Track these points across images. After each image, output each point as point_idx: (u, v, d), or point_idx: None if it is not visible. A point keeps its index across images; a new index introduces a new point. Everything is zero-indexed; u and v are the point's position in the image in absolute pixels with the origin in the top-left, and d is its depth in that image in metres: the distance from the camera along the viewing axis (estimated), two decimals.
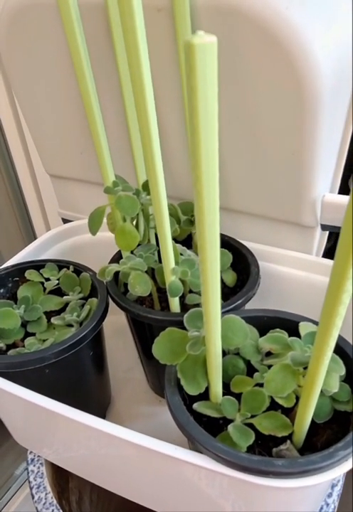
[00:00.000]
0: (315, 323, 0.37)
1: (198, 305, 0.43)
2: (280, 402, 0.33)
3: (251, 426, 0.33)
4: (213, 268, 0.27)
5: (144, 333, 0.47)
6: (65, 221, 0.67)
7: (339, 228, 0.49)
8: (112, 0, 0.39)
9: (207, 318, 0.30)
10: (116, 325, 0.56)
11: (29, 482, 0.47)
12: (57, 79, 0.50)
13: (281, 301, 0.52)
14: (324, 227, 0.49)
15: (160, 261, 0.46)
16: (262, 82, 0.38)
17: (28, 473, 0.48)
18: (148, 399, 0.55)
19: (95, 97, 0.40)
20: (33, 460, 0.49)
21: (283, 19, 0.34)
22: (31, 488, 0.46)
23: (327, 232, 0.52)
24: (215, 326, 0.30)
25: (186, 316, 0.36)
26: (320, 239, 0.51)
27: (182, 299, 0.44)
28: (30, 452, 0.51)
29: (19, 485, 1.05)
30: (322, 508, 0.44)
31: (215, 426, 0.35)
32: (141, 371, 0.57)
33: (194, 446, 0.32)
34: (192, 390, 0.34)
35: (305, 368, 0.31)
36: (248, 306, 0.45)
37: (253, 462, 0.28)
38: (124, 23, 0.28)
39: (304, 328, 0.34)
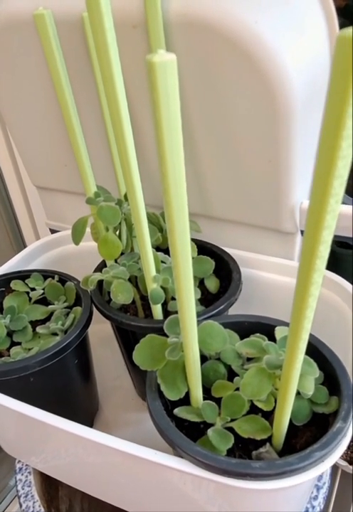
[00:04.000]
0: None
1: None
2: (260, 405, 0.34)
3: (231, 430, 0.33)
4: (186, 274, 0.28)
5: (128, 341, 0.48)
6: (53, 231, 0.68)
7: None
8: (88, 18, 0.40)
9: (183, 324, 0.30)
10: (103, 333, 0.57)
11: (17, 491, 0.47)
12: (40, 94, 0.51)
13: (264, 306, 0.52)
14: (304, 233, 0.50)
15: None
16: (236, 95, 0.39)
17: (16, 482, 0.48)
18: (136, 406, 0.55)
19: (74, 111, 0.41)
20: (21, 469, 0.50)
21: (253, 34, 0.35)
22: (19, 497, 0.46)
23: None
24: (191, 331, 0.31)
25: (165, 322, 0.36)
26: (301, 244, 0.52)
27: (165, 305, 0.45)
28: (18, 461, 0.51)
29: (14, 495, 1.05)
30: (307, 510, 0.45)
31: (197, 430, 0.36)
32: (128, 379, 0.57)
33: (176, 451, 0.32)
34: (172, 395, 0.34)
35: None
36: (231, 311, 0.45)
37: (231, 465, 0.29)
38: (96, 41, 0.29)
39: (280, 332, 0.35)
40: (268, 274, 0.52)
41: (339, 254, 0.84)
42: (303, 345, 0.27)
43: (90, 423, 0.52)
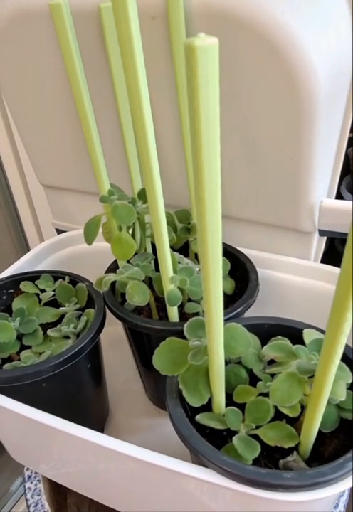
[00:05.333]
0: (318, 329, 0.36)
1: (197, 314, 0.43)
2: (285, 411, 0.32)
3: (256, 437, 0.32)
4: (215, 275, 0.26)
5: (142, 344, 0.46)
6: (59, 232, 0.66)
7: (336, 233, 0.49)
8: (106, 9, 0.38)
9: (209, 327, 0.29)
10: (112, 336, 0.55)
11: (26, 500, 0.46)
12: (50, 89, 0.49)
13: (279, 307, 0.51)
14: (321, 233, 0.49)
15: (157, 270, 0.46)
16: (259, 89, 0.37)
17: (25, 490, 0.47)
18: (147, 411, 0.54)
19: (90, 105, 0.40)
20: (29, 477, 0.48)
21: (279, 25, 0.34)
22: (29, 506, 0.45)
23: (325, 238, 0.51)
24: (218, 335, 0.29)
25: (186, 325, 0.35)
26: (318, 244, 0.51)
27: (180, 308, 0.43)
28: (27, 469, 0.49)
29: (15, 501, 1.03)
30: None
31: (219, 438, 0.34)
32: (139, 383, 0.56)
33: (198, 459, 0.31)
34: (195, 402, 0.33)
35: (310, 377, 0.31)
36: (246, 313, 0.44)
37: (260, 475, 0.27)
38: (119, 32, 0.28)
39: (308, 335, 0.33)
40: (283, 275, 0.51)
41: (342, 254, 0.83)
42: (341, 350, 0.25)
43: (100, 429, 0.51)
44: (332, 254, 0.55)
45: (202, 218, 0.24)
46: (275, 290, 0.51)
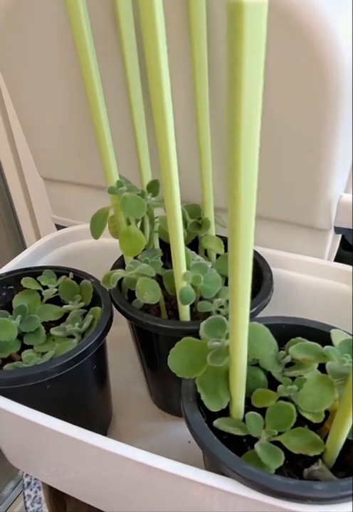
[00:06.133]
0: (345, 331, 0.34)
1: (209, 313, 0.40)
2: (309, 417, 0.30)
3: (278, 444, 0.30)
4: (245, 270, 0.24)
5: (149, 344, 0.44)
6: (59, 227, 0.64)
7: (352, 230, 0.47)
8: None
9: (234, 326, 0.27)
10: (114, 337, 0.53)
11: (26, 508, 0.43)
12: (54, 77, 0.47)
13: (291, 306, 0.49)
14: (337, 230, 0.47)
15: (164, 267, 0.43)
16: (282, 71, 0.35)
17: (24, 497, 0.44)
18: (151, 414, 0.52)
19: (100, 91, 0.37)
20: (29, 484, 0.46)
21: (308, 5, 0.32)
22: None
23: (340, 236, 0.49)
24: (242, 335, 0.27)
25: (204, 324, 0.33)
26: (332, 242, 0.49)
27: (191, 307, 0.41)
28: (26, 475, 0.47)
29: (7, 506, 1.00)
30: None
31: (236, 444, 0.32)
32: (142, 385, 0.53)
33: (216, 467, 0.29)
34: (214, 406, 0.30)
35: (339, 381, 0.29)
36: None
37: (290, 487, 0.25)
38: (144, 18, 0.26)
39: (337, 336, 0.31)
40: (296, 274, 0.49)
41: (344, 256, 0.81)
42: None
43: (104, 433, 0.48)
44: (335, 259, 0.53)
45: (235, 206, 0.22)
46: (287, 289, 0.49)
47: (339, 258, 0.81)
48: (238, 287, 0.25)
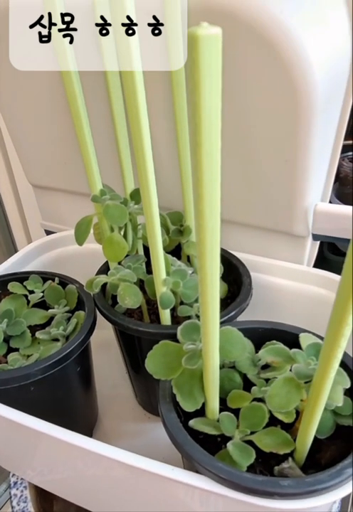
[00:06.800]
0: (314, 334, 0.36)
1: (189, 317, 0.42)
2: (280, 417, 0.32)
3: (250, 443, 0.31)
4: (212, 276, 0.26)
5: (133, 347, 0.45)
6: (48, 233, 0.65)
7: (330, 238, 0.48)
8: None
9: (205, 329, 0.28)
10: (100, 340, 0.54)
11: (12, 507, 0.44)
12: (41, 87, 0.48)
13: (270, 311, 0.50)
14: (315, 237, 0.48)
15: (148, 272, 0.45)
16: (255, 87, 0.37)
17: (10, 497, 0.45)
18: (136, 415, 0.53)
19: (83, 103, 0.39)
20: (16, 483, 0.47)
21: (277, 23, 0.33)
22: None
23: (318, 242, 0.51)
24: (213, 338, 0.28)
25: (180, 328, 0.34)
26: (311, 249, 0.50)
27: (172, 311, 0.43)
28: (13, 475, 0.48)
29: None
30: None
31: (212, 444, 0.34)
32: (128, 387, 0.55)
33: (191, 466, 0.30)
34: (189, 406, 0.32)
35: (306, 382, 0.30)
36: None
37: (257, 483, 0.27)
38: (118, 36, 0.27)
39: (305, 339, 0.33)
40: (276, 279, 0.50)
41: (331, 260, 0.83)
42: (340, 354, 0.24)
43: (89, 434, 0.49)
44: (321, 262, 0.54)
45: (201, 216, 0.23)
46: (267, 294, 0.50)
47: (325, 261, 0.83)
48: (206, 294, 0.26)
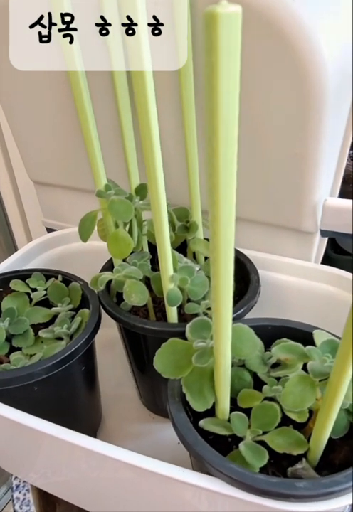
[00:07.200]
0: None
1: (196, 315, 0.41)
2: (293, 417, 0.31)
3: (262, 443, 0.30)
4: (226, 271, 0.25)
5: (138, 346, 0.44)
6: (50, 230, 0.64)
7: (338, 234, 0.48)
8: None
9: (217, 327, 0.27)
10: (103, 339, 0.53)
11: (14, 511, 0.43)
12: (42, 82, 0.47)
13: (278, 309, 0.49)
14: (323, 233, 0.47)
15: (153, 269, 0.44)
16: (267, 78, 0.36)
17: (12, 500, 0.44)
18: (141, 416, 0.52)
19: (88, 96, 0.38)
20: (18, 486, 0.46)
21: (290, 12, 0.32)
22: None
23: (326, 239, 0.50)
24: (226, 335, 0.28)
25: (189, 325, 0.33)
26: (319, 245, 0.49)
27: (179, 308, 0.42)
28: (15, 478, 0.47)
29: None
30: None
31: (222, 444, 0.33)
32: (132, 387, 0.54)
33: (201, 467, 0.29)
34: (199, 406, 0.31)
35: (321, 380, 0.29)
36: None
37: (272, 485, 0.26)
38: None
39: (319, 336, 0.32)
40: (283, 276, 0.49)
41: (333, 259, 0.82)
42: None
43: (93, 435, 0.48)
44: (324, 261, 0.53)
45: (215, 209, 0.22)
46: (275, 291, 0.49)
47: (328, 260, 0.82)
48: (219, 289, 0.25)
